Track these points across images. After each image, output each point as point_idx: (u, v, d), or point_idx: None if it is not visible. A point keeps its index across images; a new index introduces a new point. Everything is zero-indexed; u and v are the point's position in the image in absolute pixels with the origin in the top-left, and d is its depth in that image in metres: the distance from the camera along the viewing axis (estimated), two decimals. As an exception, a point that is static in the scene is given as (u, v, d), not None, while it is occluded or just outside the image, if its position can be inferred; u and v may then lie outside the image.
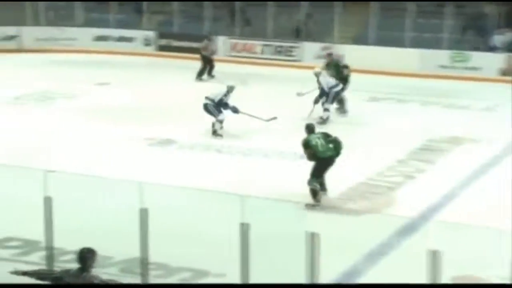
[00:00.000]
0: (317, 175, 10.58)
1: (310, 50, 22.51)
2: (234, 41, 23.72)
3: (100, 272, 6.50)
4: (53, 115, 15.95)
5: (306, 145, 10.70)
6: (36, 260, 8.23)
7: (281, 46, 23.20)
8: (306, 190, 10.58)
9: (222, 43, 23.58)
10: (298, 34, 23.74)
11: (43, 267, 7.65)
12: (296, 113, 15.48)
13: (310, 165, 10.60)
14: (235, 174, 11.77)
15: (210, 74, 20.34)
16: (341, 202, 10.60)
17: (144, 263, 7.22)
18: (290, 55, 23.03)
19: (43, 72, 20.75)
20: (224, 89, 14.42)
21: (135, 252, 7.19)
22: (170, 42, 24.24)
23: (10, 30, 24.55)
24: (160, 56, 23.79)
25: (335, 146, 10.65)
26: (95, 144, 13.62)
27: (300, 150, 10.80)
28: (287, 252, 7.82)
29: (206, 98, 14.38)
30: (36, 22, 25.27)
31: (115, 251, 8.37)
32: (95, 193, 10.22)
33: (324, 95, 15.39)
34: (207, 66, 20.37)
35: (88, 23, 25.06)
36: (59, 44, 24.61)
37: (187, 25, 24.43)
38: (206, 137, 14.10)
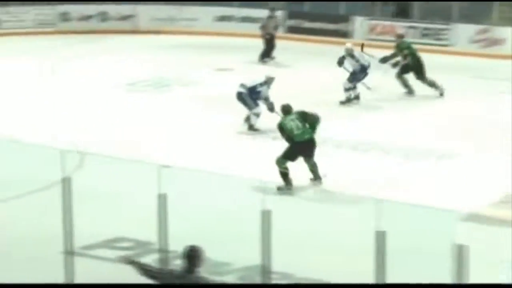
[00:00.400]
0: (289, 156, 11.19)
1: (464, 33, 22.01)
2: (373, 22, 23.55)
3: (217, 280, 6.65)
4: (169, 104, 16.42)
5: (281, 129, 11.43)
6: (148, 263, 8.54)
7: (428, 28, 22.82)
8: (453, 196, 10.42)
9: (359, 24, 23.46)
10: (404, 14, 23.40)
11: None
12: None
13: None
14: (370, 175, 11.73)
15: (269, 55, 20.68)
16: (495, 211, 10.36)
17: (265, 271, 7.33)
18: (439, 39, 22.61)
19: (159, 56, 21.36)
20: (261, 79, 14.55)
21: (256, 259, 7.32)
22: (300, 23, 24.33)
23: (126, 9, 25.39)
24: (289, 39, 23.86)
25: (312, 123, 11.39)
26: (214, 136, 13.93)
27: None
28: (429, 265, 7.74)
29: (241, 85, 14.51)
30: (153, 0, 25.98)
31: (234, 256, 8.56)
32: (213, 191, 10.46)
33: (364, 71, 16.14)
34: (269, 46, 20.72)
35: (209, 2, 25.52)
36: (177, 25, 25.23)
37: (320, 4, 24.42)
38: (339, 132, 14.11)
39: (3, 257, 8.07)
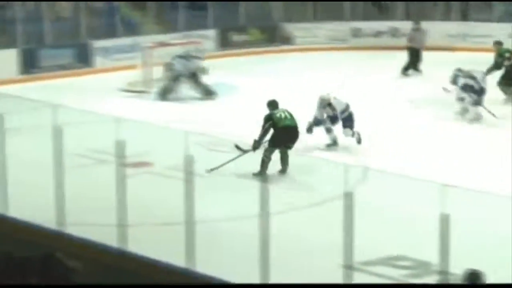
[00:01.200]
0: (274, 143, 11.97)
1: None
2: None
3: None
4: (440, 122, 16.26)
5: (269, 119, 12.13)
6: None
7: None
8: None
9: None
10: None
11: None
12: None
13: None
14: None
15: (416, 68, 20.56)
16: None
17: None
18: None
19: (444, 73, 20.96)
20: (343, 104, 14.10)
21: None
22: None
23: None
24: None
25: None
26: (498, 158, 13.57)
27: None
28: None
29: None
30: (447, 17, 25.68)
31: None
32: (499, 214, 10.09)
33: (483, 93, 16.10)
34: (415, 59, 20.56)
35: (507, 18, 24.64)
36: (468, 41, 24.69)
37: None
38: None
39: (281, 268, 8.29)
